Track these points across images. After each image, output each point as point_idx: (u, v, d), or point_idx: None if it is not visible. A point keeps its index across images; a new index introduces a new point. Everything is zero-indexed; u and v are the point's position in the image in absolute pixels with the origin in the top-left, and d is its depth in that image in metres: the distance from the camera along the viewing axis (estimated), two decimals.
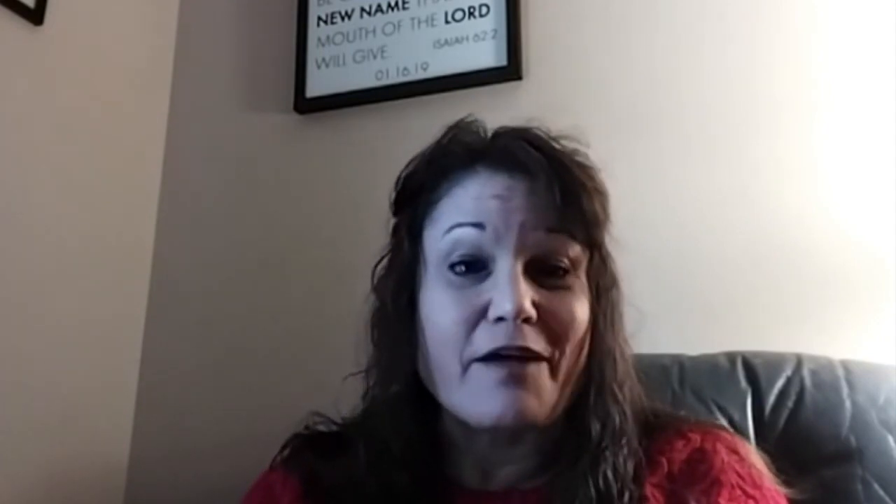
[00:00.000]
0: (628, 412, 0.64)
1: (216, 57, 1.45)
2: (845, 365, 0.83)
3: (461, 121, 0.70)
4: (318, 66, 1.34)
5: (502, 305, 0.60)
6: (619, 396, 0.64)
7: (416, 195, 0.69)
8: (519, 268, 0.61)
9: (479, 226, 0.63)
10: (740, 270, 1.06)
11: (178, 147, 1.43)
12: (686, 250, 1.09)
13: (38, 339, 1.16)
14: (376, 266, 0.71)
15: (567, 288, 0.63)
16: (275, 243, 1.32)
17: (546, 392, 0.61)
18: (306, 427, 0.73)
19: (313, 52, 1.35)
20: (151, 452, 1.30)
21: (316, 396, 0.75)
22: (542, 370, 0.61)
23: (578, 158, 0.67)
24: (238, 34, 1.45)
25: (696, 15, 1.16)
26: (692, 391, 0.85)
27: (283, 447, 0.72)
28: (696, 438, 0.66)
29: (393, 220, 0.72)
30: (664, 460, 0.64)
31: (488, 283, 0.62)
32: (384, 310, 0.69)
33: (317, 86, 1.33)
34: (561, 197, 0.62)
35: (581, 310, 0.63)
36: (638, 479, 0.62)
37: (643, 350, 0.73)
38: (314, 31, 1.36)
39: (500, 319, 0.60)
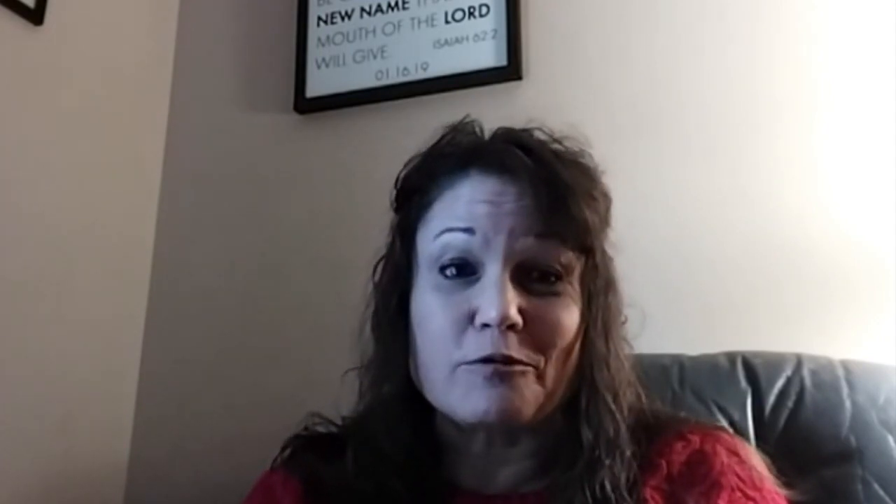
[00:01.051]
0: (622, 420, 0.63)
1: (216, 57, 1.45)
2: (845, 365, 0.83)
3: (459, 122, 0.70)
4: (318, 66, 1.34)
5: (488, 312, 0.60)
6: (612, 405, 0.63)
7: (410, 196, 0.69)
8: (506, 274, 0.61)
9: (468, 231, 0.63)
10: (740, 270, 1.06)
11: (178, 147, 1.43)
12: (686, 250, 1.09)
13: (38, 338, 1.16)
14: (377, 265, 0.71)
15: (556, 294, 0.63)
16: (275, 243, 1.32)
17: (531, 393, 0.61)
18: (306, 428, 0.73)
19: (313, 52, 1.35)
20: (151, 452, 1.30)
21: (316, 396, 0.75)
22: (528, 374, 0.61)
23: (580, 161, 0.67)
24: (238, 34, 1.45)
25: (696, 15, 1.16)
26: (692, 391, 0.86)
27: (283, 448, 0.72)
28: (695, 440, 0.65)
29: (393, 219, 0.72)
30: (663, 462, 0.64)
31: (476, 289, 0.62)
32: (377, 309, 0.69)
33: (317, 86, 1.33)
34: (549, 203, 0.62)
35: (569, 316, 0.63)
36: (635, 487, 0.62)
37: (643, 350, 0.73)
38: (314, 31, 1.36)
39: (485, 326, 0.60)
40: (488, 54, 1.24)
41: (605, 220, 0.68)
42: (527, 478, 0.66)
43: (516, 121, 0.70)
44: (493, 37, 1.25)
